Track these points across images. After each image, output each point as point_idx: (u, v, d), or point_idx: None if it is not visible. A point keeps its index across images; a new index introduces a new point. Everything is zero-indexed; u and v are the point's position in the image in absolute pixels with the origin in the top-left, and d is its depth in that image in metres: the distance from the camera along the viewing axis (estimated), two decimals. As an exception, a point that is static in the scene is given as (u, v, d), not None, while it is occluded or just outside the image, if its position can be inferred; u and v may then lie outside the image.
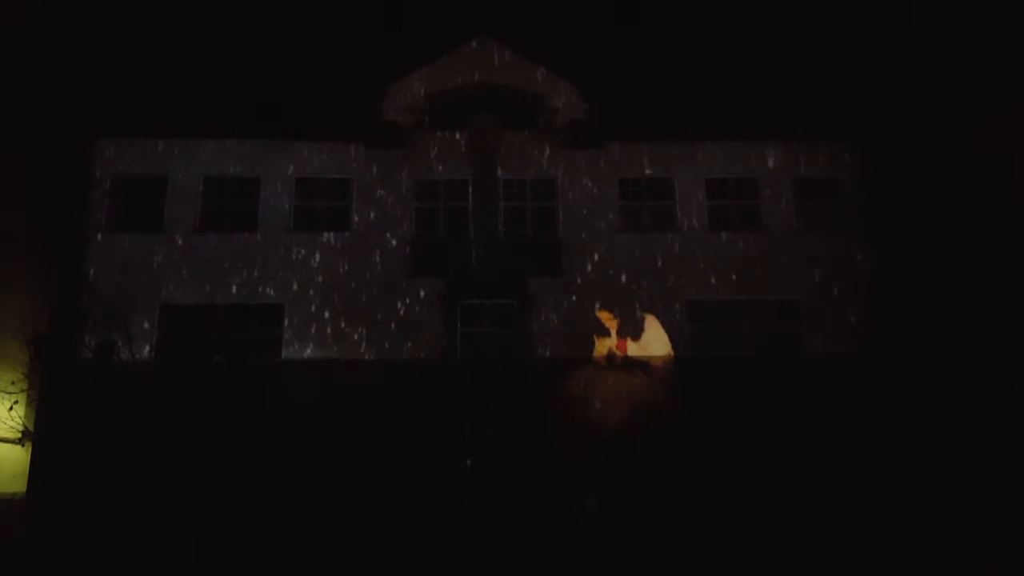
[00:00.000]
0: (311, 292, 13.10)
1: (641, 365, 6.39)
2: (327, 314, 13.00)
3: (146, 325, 12.49)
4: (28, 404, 11.74)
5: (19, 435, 11.48)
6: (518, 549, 5.58)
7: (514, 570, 5.32)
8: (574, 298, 12.91)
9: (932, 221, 12.76)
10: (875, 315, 12.97)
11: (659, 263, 13.28)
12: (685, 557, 5.31)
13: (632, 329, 6.47)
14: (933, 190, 12.83)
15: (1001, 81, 12.21)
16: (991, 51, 12.39)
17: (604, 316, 6.54)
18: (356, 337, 12.87)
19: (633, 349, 6.44)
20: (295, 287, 13.10)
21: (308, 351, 12.79)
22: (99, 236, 13.05)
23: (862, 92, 13.55)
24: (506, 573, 5.31)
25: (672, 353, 6.53)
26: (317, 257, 13.27)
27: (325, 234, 13.41)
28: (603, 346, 6.40)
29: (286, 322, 12.92)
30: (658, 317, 6.66)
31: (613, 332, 6.46)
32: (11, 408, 11.34)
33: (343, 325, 12.94)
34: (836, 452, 9.91)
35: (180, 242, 13.18)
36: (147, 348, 12.28)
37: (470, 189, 13.74)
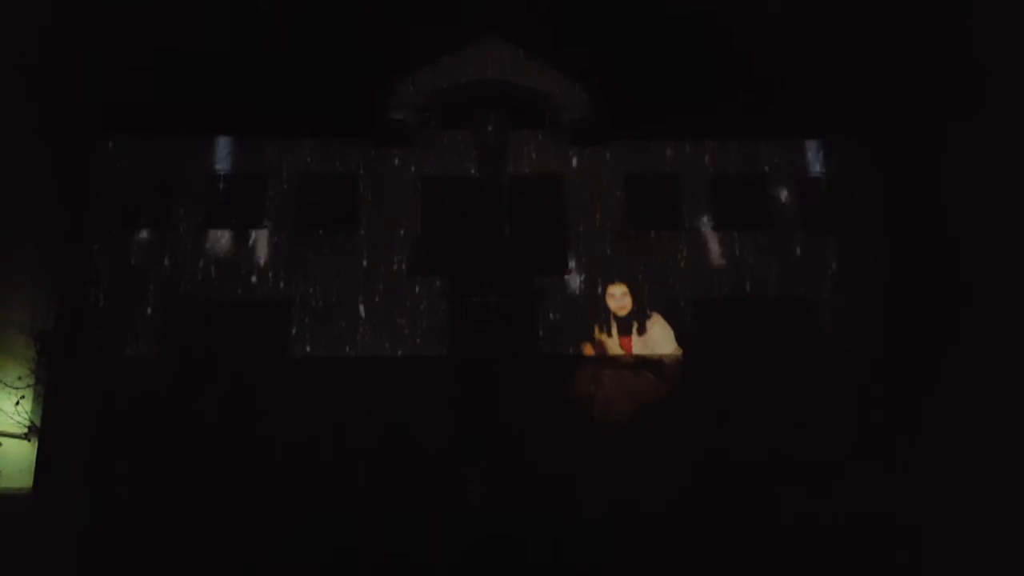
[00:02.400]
0: (317, 290, 13.10)
1: (647, 364, 6.38)
2: (333, 312, 12.99)
3: (152, 322, 12.50)
4: (34, 399, 11.82)
5: (25, 430, 11.55)
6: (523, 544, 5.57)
7: (517, 564, 5.31)
8: (580, 296, 12.85)
9: (940, 219, 12.70)
10: (882, 314, 12.91)
11: (665, 261, 13.21)
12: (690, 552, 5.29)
13: (638, 326, 6.47)
14: (941, 188, 12.77)
15: (1009, 78, 12.14)
16: (999, 50, 12.32)
17: (618, 290, 6.50)
18: (362, 335, 12.87)
19: (639, 347, 6.43)
20: (301, 285, 13.10)
21: (314, 349, 12.79)
22: (106, 233, 13.07)
23: (869, 90, 13.49)
24: (509, 567, 5.31)
25: (679, 351, 6.52)
26: (323, 255, 13.27)
27: (331, 232, 13.40)
28: (602, 339, 6.39)
29: (293, 320, 12.92)
30: (664, 315, 6.64)
31: (614, 329, 6.47)
32: (18, 403, 11.42)
33: (349, 323, 12.93)
34: (842, 450, 9.88)
35: (186, 239, 13.19)
36: (153, 346, 12.31)
37: (476, 187, 13.72)
